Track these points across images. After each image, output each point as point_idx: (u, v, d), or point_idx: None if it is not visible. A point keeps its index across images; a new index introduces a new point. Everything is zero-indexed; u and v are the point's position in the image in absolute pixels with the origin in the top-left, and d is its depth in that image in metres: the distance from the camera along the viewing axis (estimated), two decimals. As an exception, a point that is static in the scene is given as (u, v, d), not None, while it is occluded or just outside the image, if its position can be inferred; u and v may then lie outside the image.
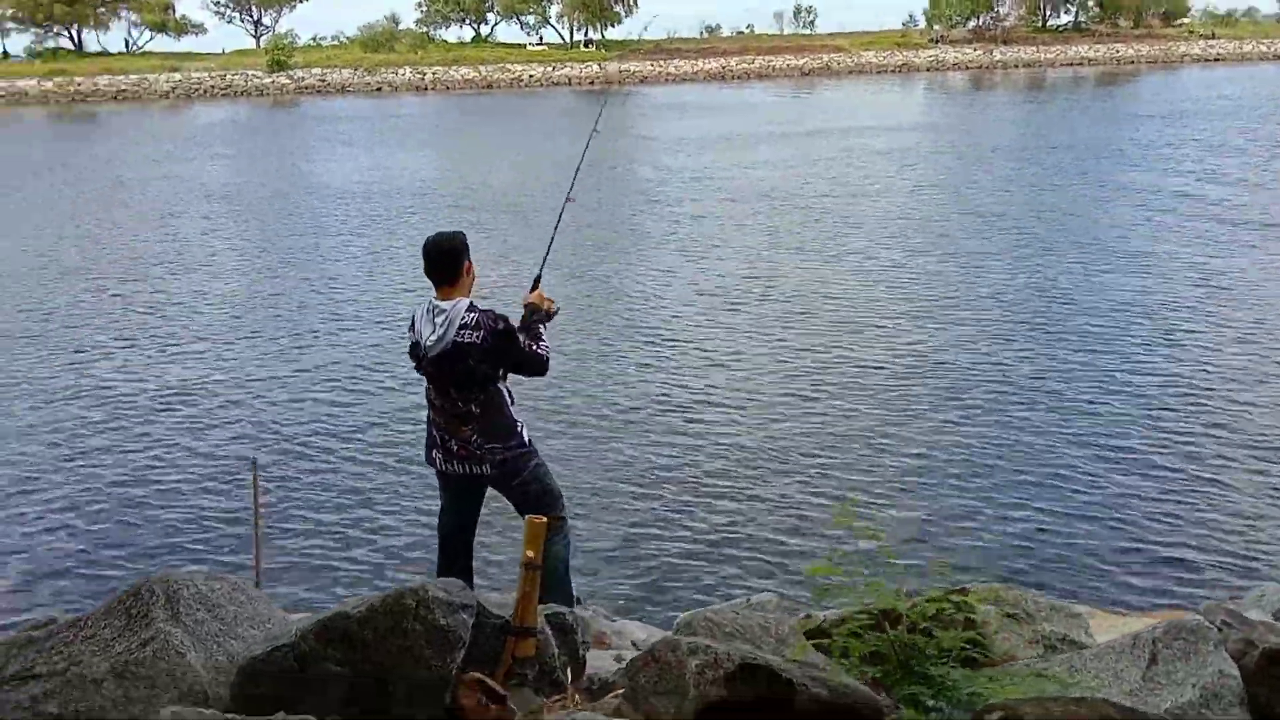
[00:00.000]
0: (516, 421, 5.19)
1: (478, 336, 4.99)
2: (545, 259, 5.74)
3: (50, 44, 79.68)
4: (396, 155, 33.44)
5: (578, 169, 6.50)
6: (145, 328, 14.48)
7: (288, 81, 66.89)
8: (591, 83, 67.23)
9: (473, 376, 5.05)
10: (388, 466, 9.31)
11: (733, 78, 70.07)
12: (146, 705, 3.93)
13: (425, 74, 68.13)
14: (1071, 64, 77.21)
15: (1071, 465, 9.03)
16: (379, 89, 66.13)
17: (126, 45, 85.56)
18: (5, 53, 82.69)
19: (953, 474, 8.89)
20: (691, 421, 10.16)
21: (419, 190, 26.64)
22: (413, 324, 5.21)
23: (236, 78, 66.68)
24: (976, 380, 11.04)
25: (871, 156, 29.82)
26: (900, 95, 57.82)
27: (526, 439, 5.20)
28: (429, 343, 5.05)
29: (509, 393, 5.27)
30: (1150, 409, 10.23)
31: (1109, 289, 14.75)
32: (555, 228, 6.16)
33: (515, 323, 5.30)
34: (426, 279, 5.19)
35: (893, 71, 71.75)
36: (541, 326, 5.31)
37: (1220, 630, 4.34)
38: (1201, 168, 26.19)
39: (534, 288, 5.44)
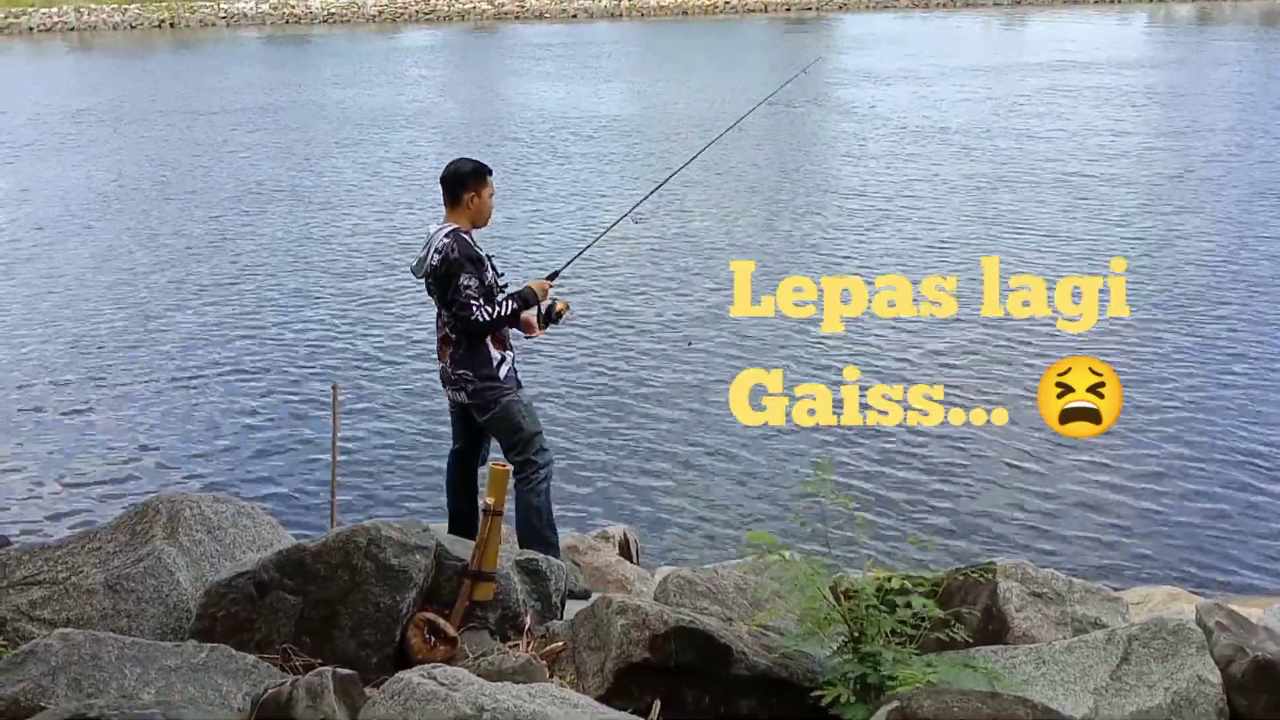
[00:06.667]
0: (493, 355, 5.21)
1: (438, 260, 5.10)
2: (571, 261, 5.79)
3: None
4: (586, 88, 33.60)
5: (649, 194, 6.50)
6: (281, 252, 15.25)
7: (488, 7, 68.07)
8: (788, 9, 65.79)
9: (445, 300, 5.20)
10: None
11: (937, 5, 67.17)
12: (132, 618, 4.23)
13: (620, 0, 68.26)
14: (1317, -5, 70.72)
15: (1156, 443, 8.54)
16: (575, 15, 66.53)
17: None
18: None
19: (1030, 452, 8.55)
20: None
21: (590, 123, 26.80)
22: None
23: (440, 2, 68.29)
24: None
25: (1076, 97, 28.06)
26: (1118, 29, 54.35)
27: (503, 374, 5.23)
28: (415, 264, 5.27)
29: None
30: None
31: None
32: (598, 237, 6.23)
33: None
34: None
35: (1110, 2, 67.46)
36: (515, 302, 5.27)
37: (1211, 632, 4.09)
38: None
39: (548, 278, 5.48)
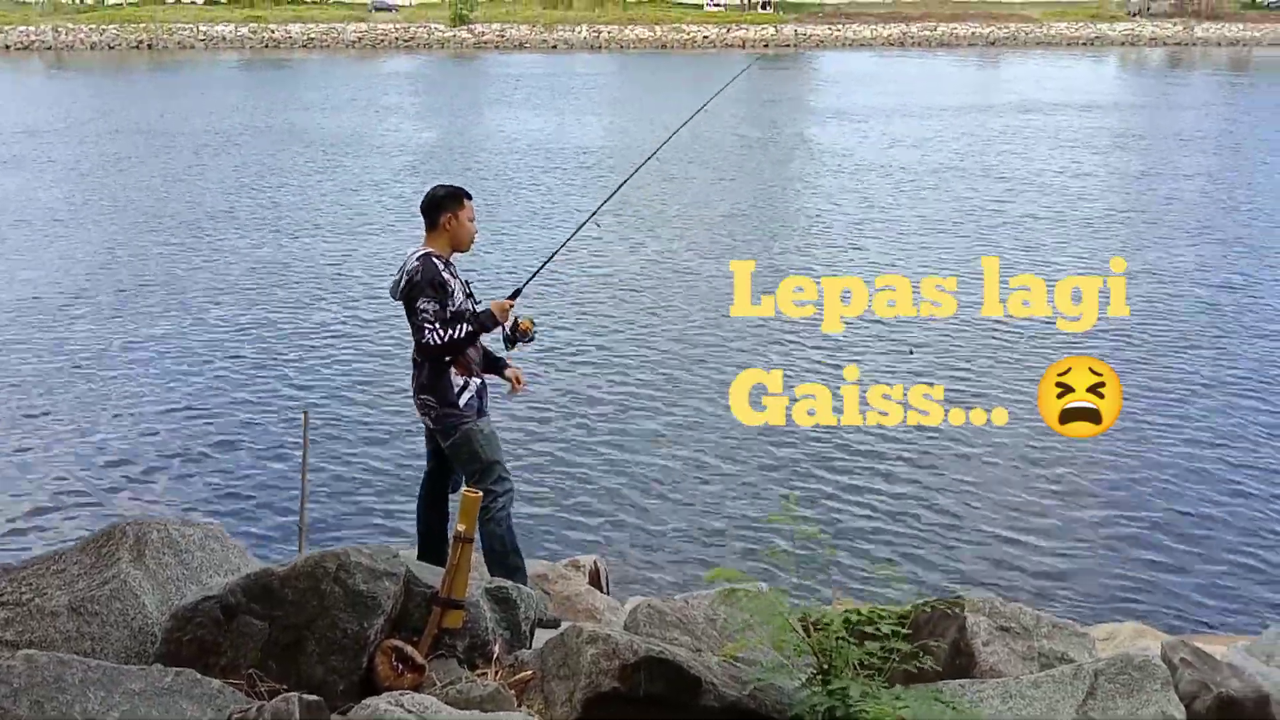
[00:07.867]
0: (455, 381, 5.17)
1: (404, 282, 5.11)
2: (532, 277, 5.60)
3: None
4: (561, 118, 33.72)
5: (605, 201, 6.34)
6: (250, 280, 15.21)
7: (468, 36, 68.37)
8: (765, 45, 66.43)
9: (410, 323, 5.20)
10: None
11: (913, 44, 68.24)
12: (96, 641, 4.18)
13: (600, 32, 68.70)
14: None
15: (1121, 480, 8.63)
16: (555, 46, 66.96)
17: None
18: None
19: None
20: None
21: (570, 154, 26.90)
22: None
23: (420, 30, 68.53)
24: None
25: (1050, 138, 28.41)
26: (1091, 71, 55.14)
27: (463, 402, 5.18)
28: (392, 286, 5.26)
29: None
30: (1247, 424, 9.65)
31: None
32: (557, 249, 5.94)
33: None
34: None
35: (1083, 45, 68.51)
36: (470, 324, 5.19)
37: (1176, 668, 4.12)
38: None
39: (510, 297, 5.35)
